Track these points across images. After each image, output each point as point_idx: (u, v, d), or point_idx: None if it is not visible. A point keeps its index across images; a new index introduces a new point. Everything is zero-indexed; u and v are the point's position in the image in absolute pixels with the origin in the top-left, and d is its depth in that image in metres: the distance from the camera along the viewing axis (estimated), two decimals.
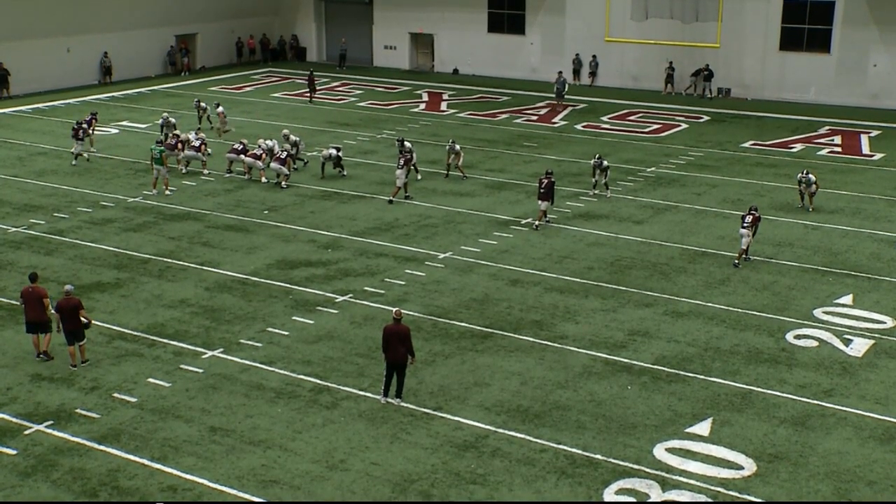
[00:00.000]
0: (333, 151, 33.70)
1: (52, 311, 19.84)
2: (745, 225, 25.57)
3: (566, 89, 46.81)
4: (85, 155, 35.48)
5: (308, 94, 47.03)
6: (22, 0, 46.90)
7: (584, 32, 50.63)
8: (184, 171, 33.76)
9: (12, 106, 44.86)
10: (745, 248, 25.67)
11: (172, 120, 37.37)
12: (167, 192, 31.37)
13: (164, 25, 53.83)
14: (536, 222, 28.65)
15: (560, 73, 47.59)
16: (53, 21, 48.47)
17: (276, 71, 55.86)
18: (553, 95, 46.80)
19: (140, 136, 39.27)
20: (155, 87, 50.31)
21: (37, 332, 20.01)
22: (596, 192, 31.71)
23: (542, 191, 28.46)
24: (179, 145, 34.07)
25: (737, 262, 25.67)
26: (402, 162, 31.01)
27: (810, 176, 30.25)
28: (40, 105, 45.28)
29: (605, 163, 31.53)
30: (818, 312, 22.72)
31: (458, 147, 33.79)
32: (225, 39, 57.35)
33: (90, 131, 36.65)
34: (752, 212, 25.84)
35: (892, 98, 45.18)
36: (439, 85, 51.53)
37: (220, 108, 39.60)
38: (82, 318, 19.57)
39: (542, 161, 35.77)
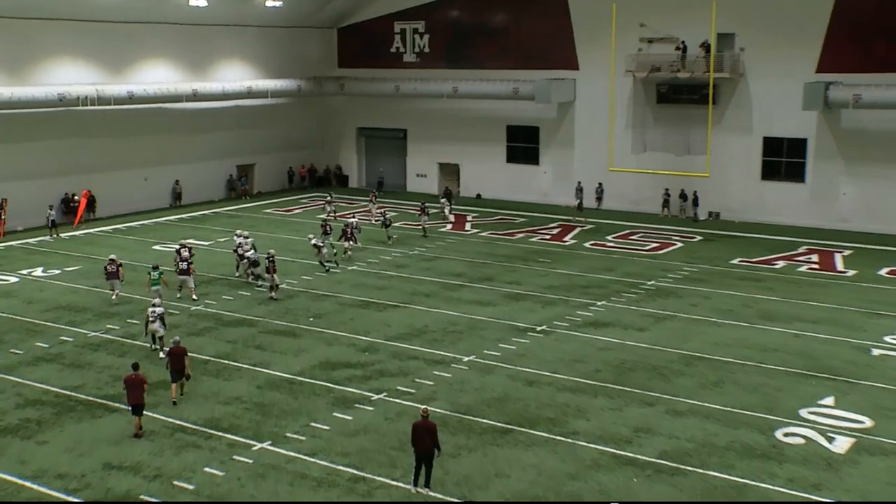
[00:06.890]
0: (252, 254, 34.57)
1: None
2: None
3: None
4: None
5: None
6: (109, 139, 47.93)
7: (591, 163, 50.92)
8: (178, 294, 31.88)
9: (98, 227, 45.37)
10: None
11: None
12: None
13: (227, 157, 54.66)
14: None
15: (580, 189, 49.62)
16: (135, 155, 49.36)
17: (322, 195, 56.26)
18: (573, 210, 49.09)
19: (204, 251, 39.36)
20: (218, 210, 50.80)
21: (137, 413, 20.20)
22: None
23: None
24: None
25: None
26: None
27: None
28: (120, 225, 45.73)
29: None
30: (803, 412, 22.16)
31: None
32: (278, 168, 58.07)
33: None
34: None
35: (860, 222, 44.93)
36: (464, 207, 51.69)
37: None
38: (186, 368, 22.16)
39: (554, 275, 35.64)
